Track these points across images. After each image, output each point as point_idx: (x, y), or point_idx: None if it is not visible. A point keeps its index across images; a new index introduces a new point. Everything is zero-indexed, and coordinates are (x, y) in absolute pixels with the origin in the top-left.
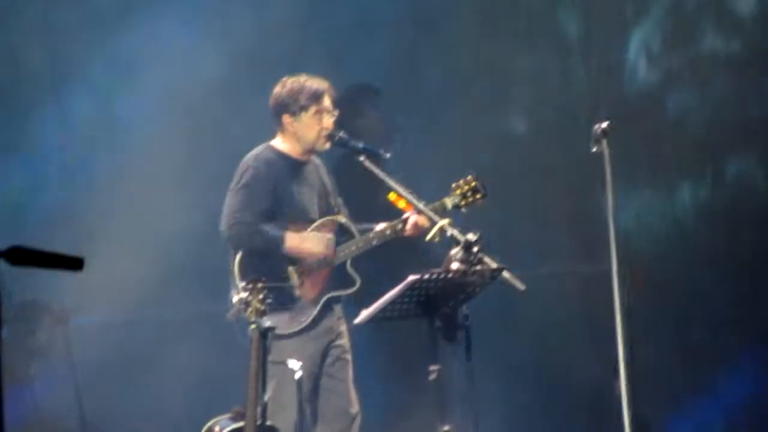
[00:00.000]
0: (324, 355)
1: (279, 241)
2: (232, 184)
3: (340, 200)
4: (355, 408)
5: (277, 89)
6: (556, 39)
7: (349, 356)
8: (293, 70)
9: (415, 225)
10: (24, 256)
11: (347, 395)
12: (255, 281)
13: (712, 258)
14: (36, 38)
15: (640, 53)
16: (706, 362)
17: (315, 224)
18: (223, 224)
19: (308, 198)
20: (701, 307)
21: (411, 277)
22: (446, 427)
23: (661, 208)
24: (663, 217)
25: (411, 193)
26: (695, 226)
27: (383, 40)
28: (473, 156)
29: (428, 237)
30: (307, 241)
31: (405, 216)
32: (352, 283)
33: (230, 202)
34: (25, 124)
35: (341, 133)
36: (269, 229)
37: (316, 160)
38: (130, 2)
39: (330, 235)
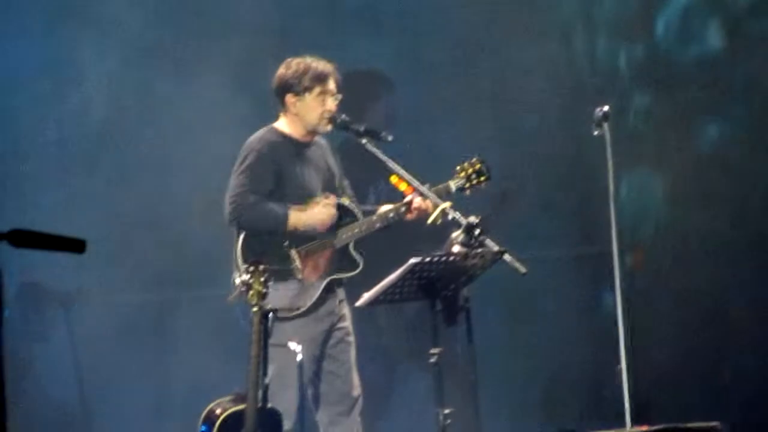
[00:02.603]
0: (326, 337)
1: (283, 218)
2: (235, 167)
3: (345, 182)
4: (357, 391)
5: (282, 69)
6: (562, 26)
7: (351, 339)
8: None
9: (418, 208)
10: (26, 238)
11: (349, 378)
12: (257, 263)
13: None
14: None
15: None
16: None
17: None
18: (227, 206)
19: (313, 179)
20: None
21: (412, 260)
22: (446, 410)
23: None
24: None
25: (413, 176)
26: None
27: (389, 29)
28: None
29: (430, 220)
30: (312, 212)
31: (408, 199)
32: (355, 265)
33: (233, 184)
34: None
35: (343, 116)
36: (273, 206)
37: (322, 141)
38: None
39: (333, 200)
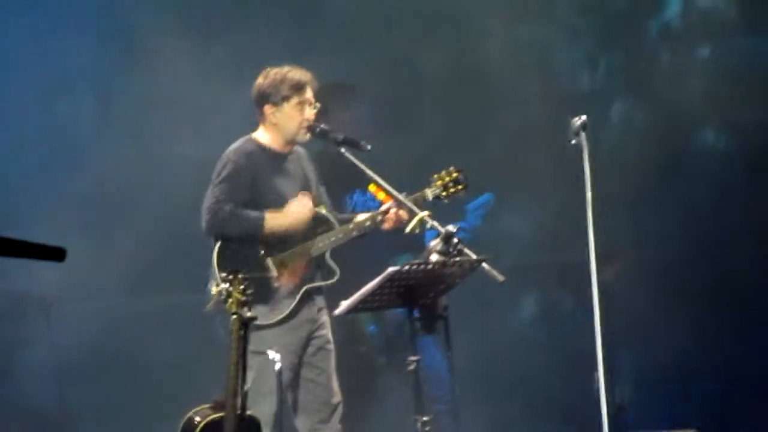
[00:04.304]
0: (305, 345)
1: (260, 221)
2: (213, 177)
3: (322, 190)
4: (336, 398)
5: (260, 80)
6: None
7: (331, 346)
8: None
9: (395, 216)
10: (4, 246)
11: (329, 385)
12: (235, 272)
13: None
14: None
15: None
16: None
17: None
18: (204, 216)
19: (289, 189)
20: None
21: (390, 269)
22: (425, 418)
23: None
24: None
25: (391, 184)
26: None
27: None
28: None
29: (408, 228)
30: (287, 211)
31: (385, 207)
32: (332, 274)
33: (210, 194)
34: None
35: (322, 125)
36: (248, 212)
37: (299, 149)
38: None
39: (307, 196)
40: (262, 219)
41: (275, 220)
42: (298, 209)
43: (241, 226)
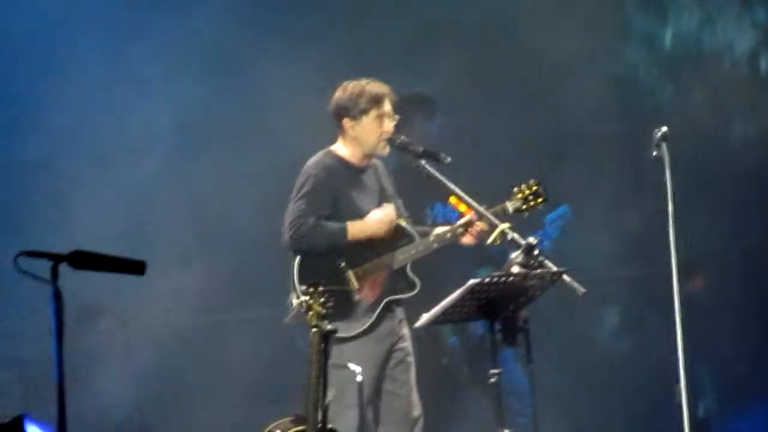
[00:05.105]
0: (386, 358)
1: (342, 231)
2: (294, 192)
3: (399, 202)
4: (417, 411)
5: (338, 93)
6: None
7: (411, 359)
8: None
9: (476, 229)
10: (86, 260)
11: (409, 398)
12: (315, 284)
13: None
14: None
15: None
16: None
17: None
18: (287, 231)
19: (367, 204)
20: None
21: (472, 281)
22: (506, 431)
23: None
24: None
25: (471, 197)
26: None
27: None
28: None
29: (489, 240)
30: (370, 218)
31: (465, 219)
32: (412, 286)
33: (293, 209)
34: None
35: (402, 137)
36: (331, 223)
37: (376, 163)
38: None
39: (389, 205)
40: (345, 228)
41: (357, 228)
42: (380, 216)
43: (324, 237)
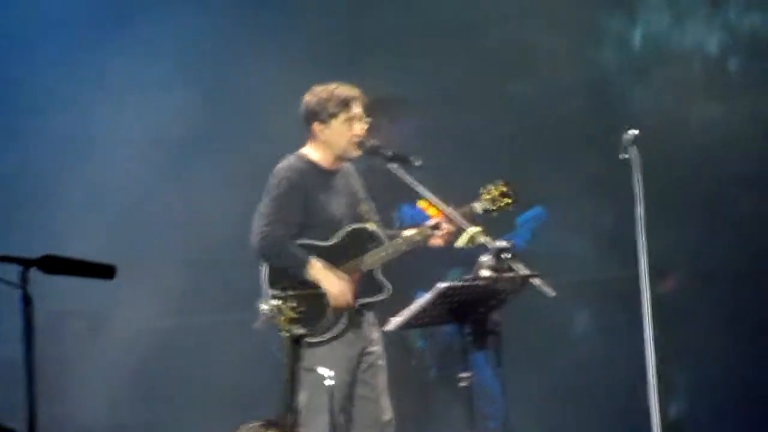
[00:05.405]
0: (358, 362)
1: (303, 264)
2: (265, 194)
3: (370, 206)
4: (388, 415)
5: (307, 97)
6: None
7: (382, 363)
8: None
9: (445, 231)
10: (56, 265)
11: (380, 402)
12: (286, 289)
13: None
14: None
15: None
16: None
17: (342, 231)
18: (255, 234)
19: (338, 207)
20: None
21: (441, 285)
22: None
23: None
24: None
25: (443, 198)
26: None
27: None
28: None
29: (460, 244)
30: (328, 280)
31: (434, 221)
32: (382, 289)
33: (263, 212)
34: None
35: (372, 141)
36: (297, 250)
37: (347, 166)
38: None
39: (351, 284)
40: (307, 262)
41: (319, 270)
42: (341, 288)
43: (284, 260)
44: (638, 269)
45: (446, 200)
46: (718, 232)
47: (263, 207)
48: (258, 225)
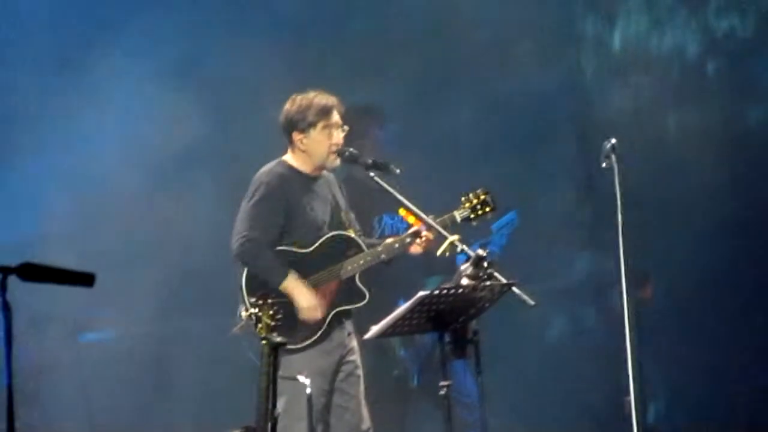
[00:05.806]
0: (336, 370)
1: (279, 276)
2: (245, 200)
3: (351, 215)
4: (366, 424)
5: (287, 106)
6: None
7: (360, 372)
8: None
9: (424, 240)
10: (36, 272)
11: (358, 412)
12: (264, 296)
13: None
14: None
15: None
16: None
17: (323, 238)
18: (234, 240)
19: (319, 213)
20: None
21: (421, 293)
22: None
23: None
24: None
25: (421, 208)
26: None
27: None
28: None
29: (439, 252)
30: (301, 296)
31: (414, 230)
32: (361, 297)
33: (244, 217)
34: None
35: (351, 149)
36: (275, 260)
37: (329, 174)
38: None
39: (322, 305)
40: (285, 274)
41: (295, 285)
42: (312, 303)
43: (261, 269)
44: (618, 275)
45: (425, 208)
46: (695, 236)
47: (244, 211)
48: (238, 229)
